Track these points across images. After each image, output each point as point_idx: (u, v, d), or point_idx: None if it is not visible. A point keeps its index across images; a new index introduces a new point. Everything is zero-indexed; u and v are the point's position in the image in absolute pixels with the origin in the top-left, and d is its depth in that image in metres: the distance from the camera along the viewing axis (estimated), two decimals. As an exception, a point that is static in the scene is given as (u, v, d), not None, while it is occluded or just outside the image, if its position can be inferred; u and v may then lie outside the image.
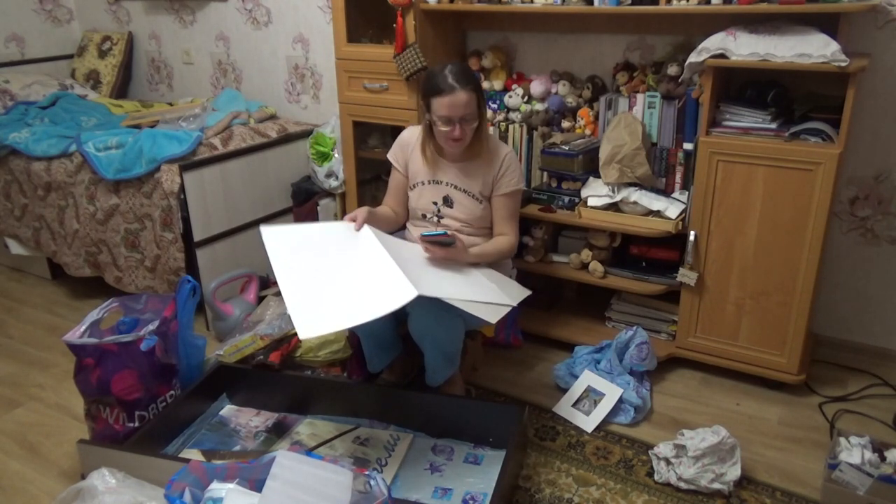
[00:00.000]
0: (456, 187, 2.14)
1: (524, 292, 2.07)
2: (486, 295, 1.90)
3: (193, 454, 1.96)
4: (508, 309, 1.90)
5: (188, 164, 2.61)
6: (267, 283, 2.90)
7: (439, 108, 1.98)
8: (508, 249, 2.15)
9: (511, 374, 2.41)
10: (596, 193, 2.39)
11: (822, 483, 1.81)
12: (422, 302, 1.89)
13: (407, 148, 2.21)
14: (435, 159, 2.15)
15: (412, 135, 2.22)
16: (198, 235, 2.67)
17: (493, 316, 1.84)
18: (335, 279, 1.84)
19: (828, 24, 1.94)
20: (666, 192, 2.39)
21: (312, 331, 1.68)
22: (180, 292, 2.12)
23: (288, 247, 1.93)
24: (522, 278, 2.39)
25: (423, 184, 2.18)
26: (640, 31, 2.49)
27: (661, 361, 2.33)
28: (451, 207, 2.16)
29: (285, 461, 1.34)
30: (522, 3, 2.37)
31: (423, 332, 1.96)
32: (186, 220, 2.62)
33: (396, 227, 2.27)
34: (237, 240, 2.85)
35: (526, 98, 2.64)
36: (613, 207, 2.37)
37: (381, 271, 1.82)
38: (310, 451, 1.43)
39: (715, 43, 2.02)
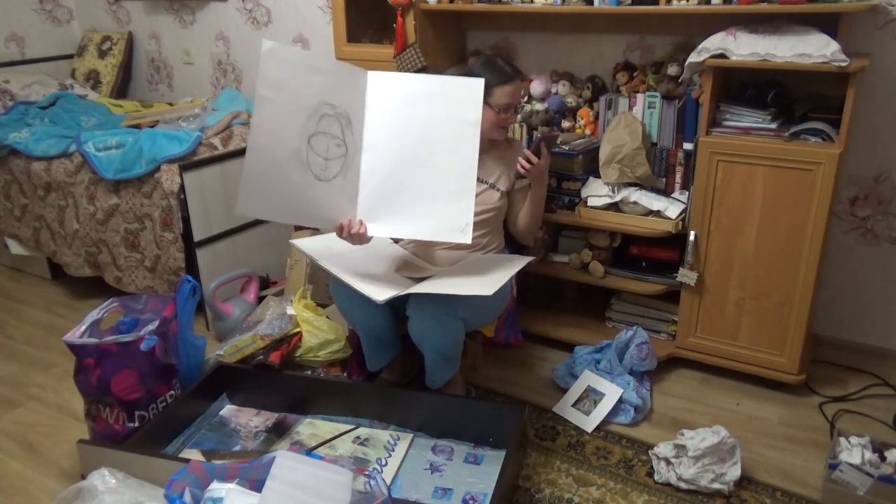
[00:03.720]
0: (478, 179, 2.13)
1: (523, 260, 2.06)
2: (482, 284, 1.88)
3: (193, 454, 1.96)
4: (507, 279, 1.89)
5: (188, 164, 2.61)
6: (267, 283, 2.90)
7: (503, 96, 2.05)
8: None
9: (511, 374, 2.41)
10: (596, 193, 2.39)
11: (822, 483, 1.81)
12: (422, 306, 1.91)
13: None
14: None
15: None
16: (198, 235, 2.67)
17: (489, 288, 1.80)
18: (412, 174, 1.86)
19: (828, 24, 1.94)
20: (666, 192, 2.39)
21: (375, 231, 1.88)
22: (180, 292, 2.13)
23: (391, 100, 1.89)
24: (523, 278, 2.40)
25: None
26: (640, 31, 2.50)
27: (661, 361, 2.33)
28: None
29: (285, 461, 1.34)
30: (522, 3, 2.37)
31: (423, 336, 1.96)
32: (186, 220, 2.62)
33: None
34: (237, 240, 2.85)
35: (526, 98, 2.64)
36: (613, 207, 2.37)
37: (455, 196, 1.85)
38: (310, 451, 1.43)
39: (715, 43, 2.02)
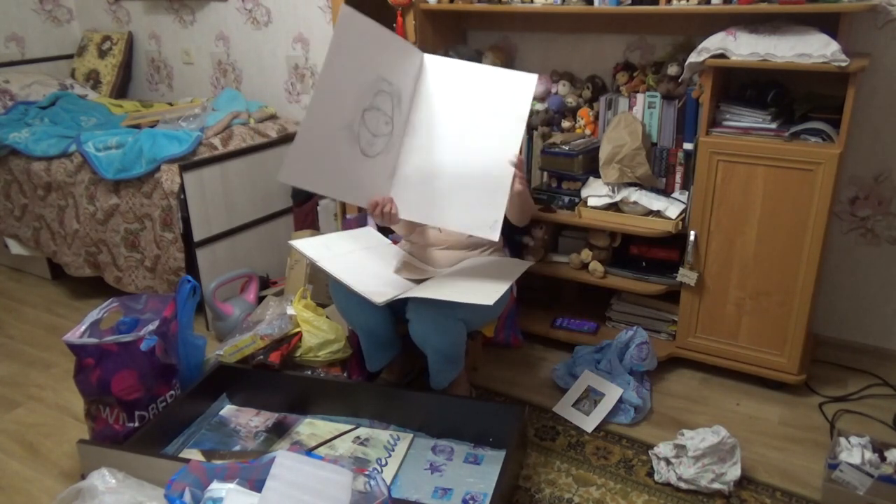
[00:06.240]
0: None
1: (523, 265, 2.04)
2: (482, 292, 1.86)
3: (193, 454, 1.96)
4: (507, 287, 1.87)
5: (188, 164, 2.61)
6: (267, 283, 2.90)
7: None
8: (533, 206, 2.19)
9: (511, 374, 2.41)
10: (596, 193, 2.39)
11: (822, 483, 1.81)
12: (421, 309, 1.91)
13: None
14: None
15: None
16: (198, 235, 2.67)
17: (490, 297, 1.79)
18: (451, 163, 1.84)
19: (828, 24, 1.94)
20: (666, 192, 2.39)
21: (404, 213, 1.87)
22: (180, 292, 2.13)
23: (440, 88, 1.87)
24: (523, 278, 2.39)
25: None
26: (640, 31, 2.50)
27: (661, 361, 2.33)
28: None
29: (285, 461, 1.34)
30: (522, 3, 2.37)
31: (424, 338, 1.96)
32: (186, 220, 2.62)
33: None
34: (237, 240, 2.85)
35: (526, 98, 2.64)
36: (613, 207, 2.37)
37: (490, 190, 1.82)
38: (310, 451, 1.43)
39: (715, 43, 2.02)
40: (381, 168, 1.86)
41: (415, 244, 2.20)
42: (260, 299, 2.71)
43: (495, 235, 1.83)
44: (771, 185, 2.04)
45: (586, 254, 2.45)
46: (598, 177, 2.41)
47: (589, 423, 2.11)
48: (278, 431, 2.08)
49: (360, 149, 1.79)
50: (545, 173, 2.54)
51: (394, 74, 1.81)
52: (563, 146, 2.44)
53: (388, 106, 1.82)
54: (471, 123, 1.84)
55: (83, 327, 1.93)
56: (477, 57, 2.06)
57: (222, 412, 2.18)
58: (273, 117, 3.21)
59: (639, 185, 2.36)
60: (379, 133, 1.82)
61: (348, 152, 1.78)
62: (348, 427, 2.08)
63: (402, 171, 1.88)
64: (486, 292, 1.80)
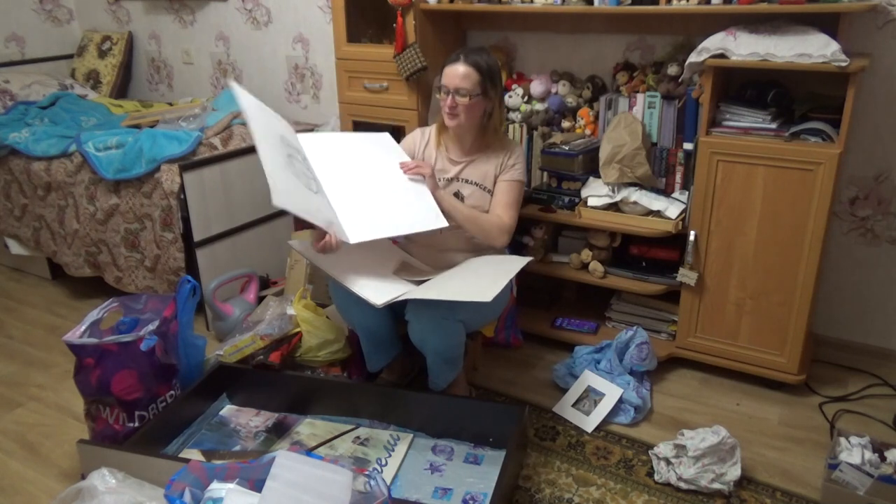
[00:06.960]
0: (467, 181, 2.14)
1: (521, 261, 2.03)
2: (480, 289, 1.85)
3: (193, 454, 1.96)
4: (504, 284, 1.86)
5: (188, 164, 2.61)
6: (267, 283, 2.90)
7: (443, 77, 2.04)
8: (495, 228, 2.06)
9: (511, 374, 2.41)
10: (596, 193, 2.39)
11: (822, 483, 1.81)
12: (420, 310, 1.91)
13: (412, 148, 2.21)
14: (447, 153, 2.16)
15: (414, 140, 2.22)
16: (198, 235, 2.66)
17: (488, 294, 1.78)
18: (371, 189, 2.04)
19: (828, 24, 1.94)
20: (666, 192, 2.39)
21: (363, 236, 1.89)
22: (180, 292, 2.12)
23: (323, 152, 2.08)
24: (523, 278, 2.39)
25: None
26: (640, 31, 2.50)
27: (661, 361, 2.33)
28: (462, 202, 2.14)
29: (285, 461, 1.34)
30: (522, 3, 2.37)
31: (423, 340, 1.96)
32: (186, 220, 2.62)
33: None
34: (237, 240, 2.85)
35: (526, 98, 2.64)
36: (613, 207, 2.37)
37: (416, 194, 2.04)
38: (310, 451, 1.43)
39: (715, 43, 2.02)
40: (328, 205, 1.92)
41: (415, 243, 2.20)
42: (260, 299, 2.71)
43: (444, 222, 1.99)
44: (771, 185, 2.04)
45: (586, 254, 2.45)
46: (598, 177, 2.42)
47: (589, 423, 2.11)
48: (278, 431, 2.08)
49: (304, 187, 1.87)
50: (545, 173, 2.54)
51: (289, 133, 2.03)
52: (563, 146, 2.44)
53: (298, 156, 1.97)
54: (369, 170, 2.07)
55: (83, 327, 1.93)
56: (487, 54, 2.08)
57: (222, 412, 2.18)
58: (273, 117, 3.21)
59: (639, 185, 2.36)
60: (307, 176, 1.94)
61: (302, 185, 1.87)
62: (348, 427, 2.08)
63: (341, 213, 1.93)
64: (485, 289, 1.79)
